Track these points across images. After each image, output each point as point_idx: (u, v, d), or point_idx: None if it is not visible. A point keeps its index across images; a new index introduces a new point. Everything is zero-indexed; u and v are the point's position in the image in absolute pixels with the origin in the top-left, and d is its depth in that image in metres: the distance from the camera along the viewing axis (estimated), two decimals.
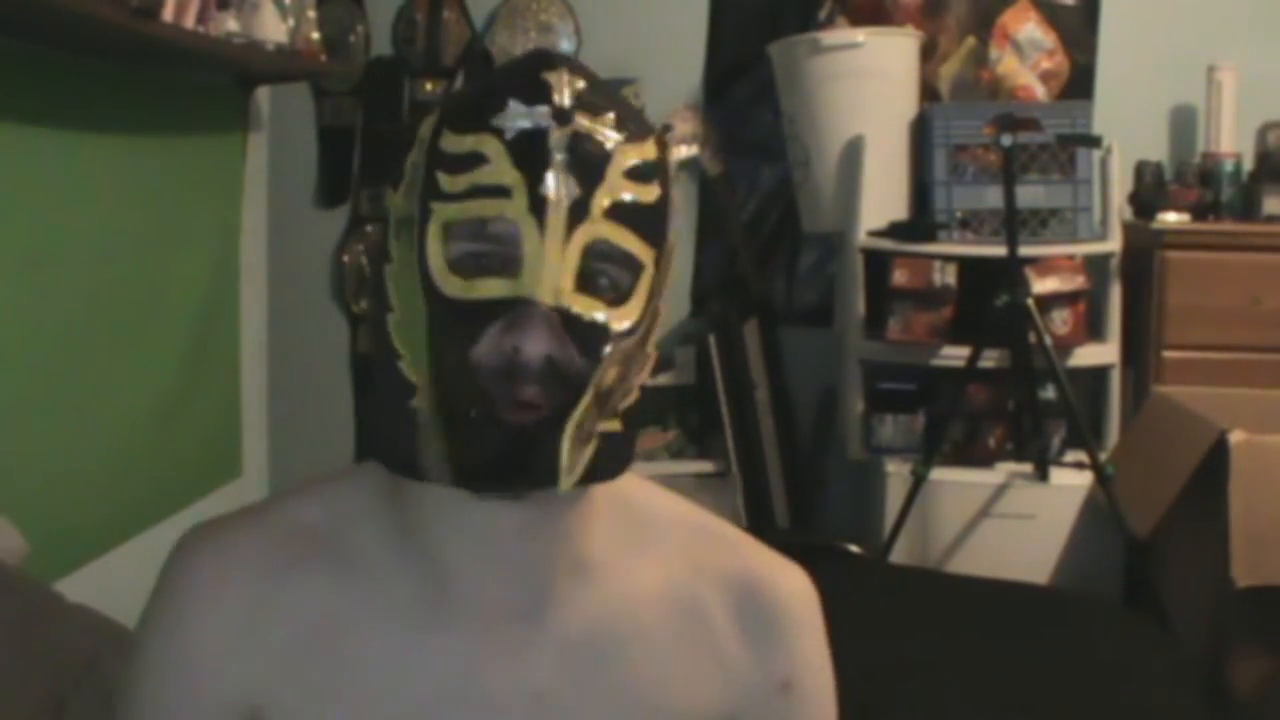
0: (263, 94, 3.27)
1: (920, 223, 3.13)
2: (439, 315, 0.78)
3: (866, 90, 3.18)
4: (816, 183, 3.26)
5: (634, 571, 0.88)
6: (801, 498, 3.31)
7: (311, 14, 2.90)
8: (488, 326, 0.76)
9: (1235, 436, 2.33)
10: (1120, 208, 3.14)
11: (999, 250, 2.84)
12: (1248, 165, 3.12)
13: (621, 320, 0.79)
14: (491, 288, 0.76)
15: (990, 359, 2.93)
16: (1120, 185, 3.13)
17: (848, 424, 3.22)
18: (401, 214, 0.82)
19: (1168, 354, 2.99)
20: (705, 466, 3.32)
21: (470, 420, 0.76)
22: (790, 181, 3.40)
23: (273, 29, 2.62)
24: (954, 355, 3.00)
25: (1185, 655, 2.27)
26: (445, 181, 0.78)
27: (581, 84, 0.80)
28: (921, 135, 3.20)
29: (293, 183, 3.60)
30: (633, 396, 0.83)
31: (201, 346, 2.83)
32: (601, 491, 0.85)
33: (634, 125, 0.81)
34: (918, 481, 2.83)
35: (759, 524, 3.14)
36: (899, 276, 3.06)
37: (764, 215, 3.55)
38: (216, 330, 2.95)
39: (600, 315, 0.78)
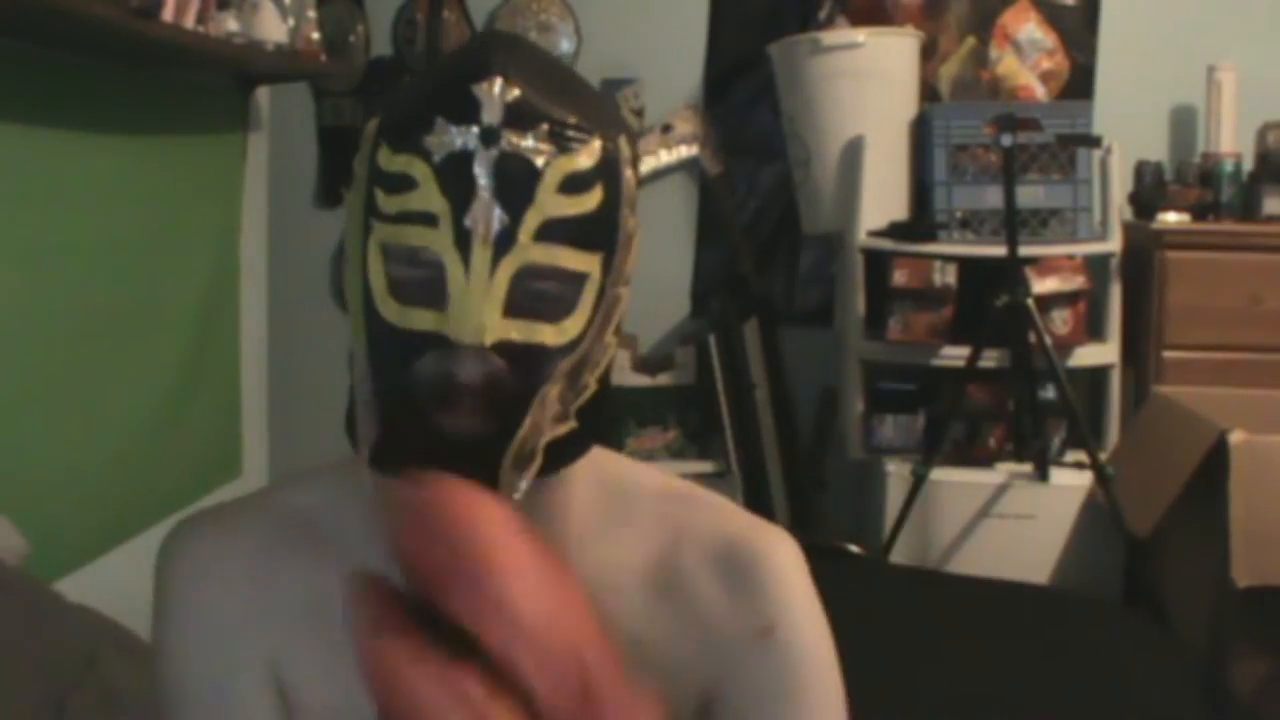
0: (263, 94, 3.27)
1: (920, 223, 3.13)
2: (377, 336, 0.79)
3: (866, 90, 3.18)
4: (816, 183, 3.26)
5: (614, 544, 0.89)
6: (801, 498, 3.31)
7: (311, 14, 2.90)
8: (420, 356, 0.77)
9: (1235, 436, 2.33)
10: (1120, 208, 3.14)
11: (999, 250, 2.84)
12: (1248, 165, 3.12)
13: (565, 334, 0.79)
14: (422, 319, 0.78)
15: (990, 359, 2.93)
16: (1120, 185, 3.13)
17: (848, 424, 3.22)
18: (351, 217, 0.83)
19: (1168, 354, 2.99)
20: (705, 466, 3.32)
21: (413, 435, 0.78)
22: (790, 181, 3.40)
23: (273, 29, 2.62)
24: (954, 355, 3.00)
25: (1185, 655, 2.27)
26: (382, 200, 0.79)
27: (515, 92, 0.78)
28: (921, 135, 3.20)
29: (293, 183, 3.60)
30: (589, 392, 0.83)
31: (201, 346, 2.83)
32: (580, 468, 0.85)
33: (574, 129, 0.79)
34: (918, 481, 2.83)
35: None
36: (899, 276, 3.06)
37: (764, 215, 3.55)
38: (216, 330, 2.95)
39: (539, 336, 0.78)
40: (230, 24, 2.51)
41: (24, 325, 2.15)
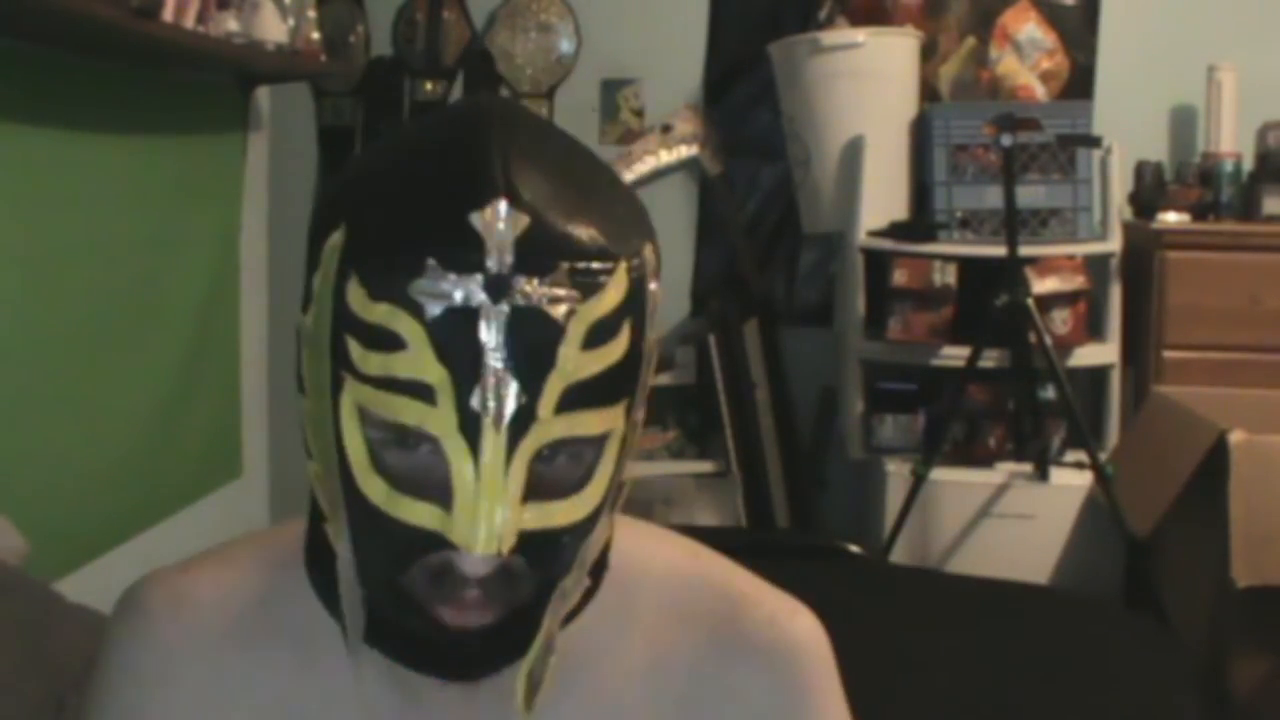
0: (263, 94, 3.27)
1: (920, 223, 3.13)
2: (360, 519, 0.66)
3: (866, 90, 3.18)
4: (816, 183, 3.26)
5: (615, 654, 0.78)
6: (801, 498, 3.31)
7: (311, 14, 2.90)
8: (418, 555, 0.65)
9: (1235, 436, 2.33)
10: (1120, 208, 3.14)
11: (999, 250, 2.84)
12: (1248, 165, 3.12)
13: (582, 506, 0.67)
14: (420, 514, 0.64)
15: (990, 359, 2.93)
16: (1120, 185, 3.13)
17: (848, 424, 3.22)
18: (312, 344, 0.69)
19: (1168, 354, 2.99)
20: (705, 466, 3.32)
21: (400, 624, 0.68)
22: (790, 181, 3.40)
23: (273, 29, 2.62)
24: (954, 355, 3.00)
25: (1185, 655, 2.27)
26: (357, 355, 0.64)
27: (525, 220, 0.62)
28: (921, 135, 3.20)
29: (293, 183, 3.60)
30: (607, 534, 0.72)
31: (201, 346, 2.83)
32: None
33: (597, 261, 0.64)
34: (918, 481, 2.83)
35: (759, 524, 3.14)
36: (899, 276, 3.06)
37: (764, 215, 3.55)
38: (216, 330, 2.95)
39: (555, 520, 0.66)
40: (230, 24, 2.51)
41: (24, 325, 2.15)
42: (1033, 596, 2.54)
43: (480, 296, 0.62)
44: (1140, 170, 3.21)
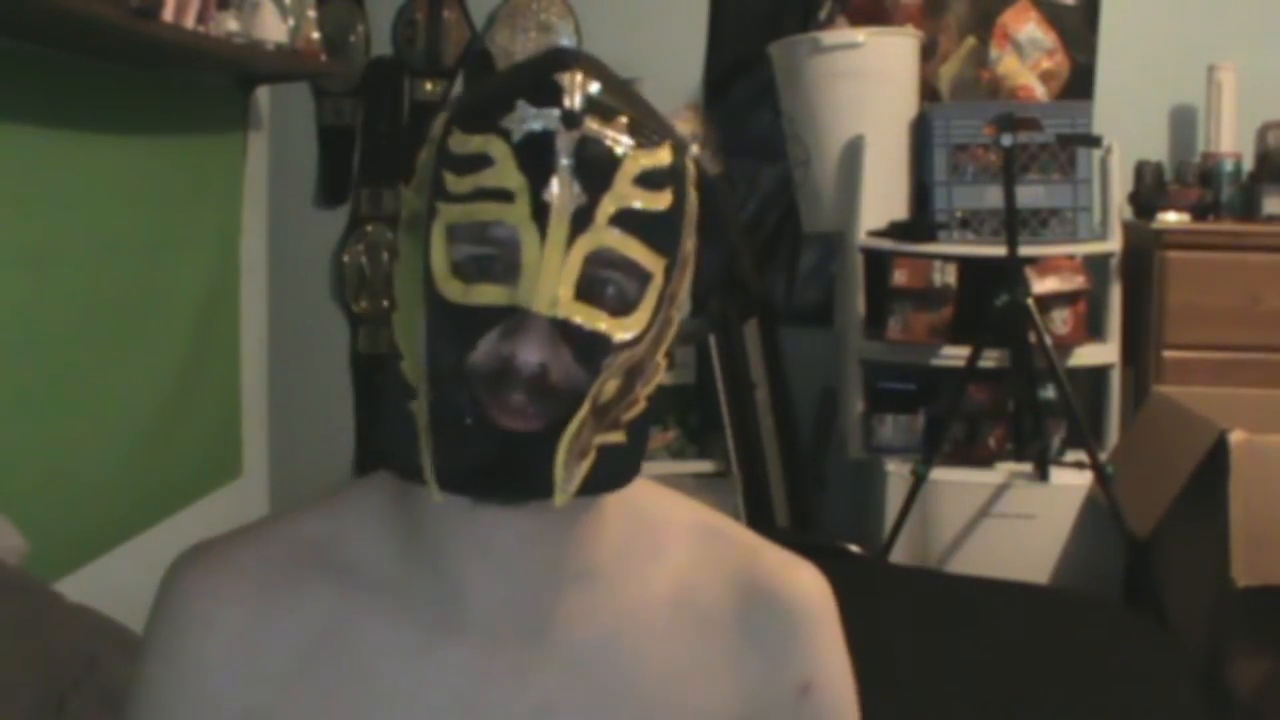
0: (263, 94, 3.27)
1: (920, 223, 3.13)
2: (437, 319, 0.76)
3: (866, 90, 3.18)
4: (816, 183, 3.26)
5: (644, 579, 0.87)
6: (801, 498, 3.31)
7: (311, 14, 2.90)
8: (484, 333, 0.75)
9: (1235, 436, 2.33)
10: (1120, 208, 3.14)
11: (999, 250, 2.84)
12: (1248, 165, 3.12)
13: (625, 330, 0.77)
14: (489, 294, 0.75)
15: (990, 359, 2.93)
16: (1120, 185, 3.13)
17: (848, 424, 3.22)
18: (411, 212, 0.81)
19: (1168, 354, 2.99)
20: (705, 466, 3.32)
21: (463, 426, 0.75)
22: (790, 181, 3.40)
23: (273, 29, 2.62)
24: (954, 355, 3.00)
25: (1185, 655, 2.27)
26: (451, 182, 0.77)
27: (595, 86, 0.78)
28: (921, 135, 3.20)
29: (293, 183, 3.60)
30: (639, 408, 0.81)
31: (201, 346, 2.83)
32: (611, 498, 0.83)
33: (649, 130, 0.79)
34: (918, 481, 2.83)
35: (759, 524, 3.14)
36: (899, 276, 3.06)
37: (764, 215, 3.55)
38: (216, 330, 2.95)
39: (602, 325, 0.76)
40: (230, 24, 2.51)
41: (24, 325, 2.15)
42: (1033, 596, 2.54)
43: (556, 125, 0.75)
44: (1140, 170, 3.21)
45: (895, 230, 3.12)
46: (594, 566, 0.84)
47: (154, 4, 2.13)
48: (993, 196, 3.01)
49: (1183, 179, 3.17)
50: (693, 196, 0.83)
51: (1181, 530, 2.54)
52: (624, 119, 0.78)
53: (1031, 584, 2.74)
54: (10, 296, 2.11)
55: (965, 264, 3.04)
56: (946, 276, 3.05)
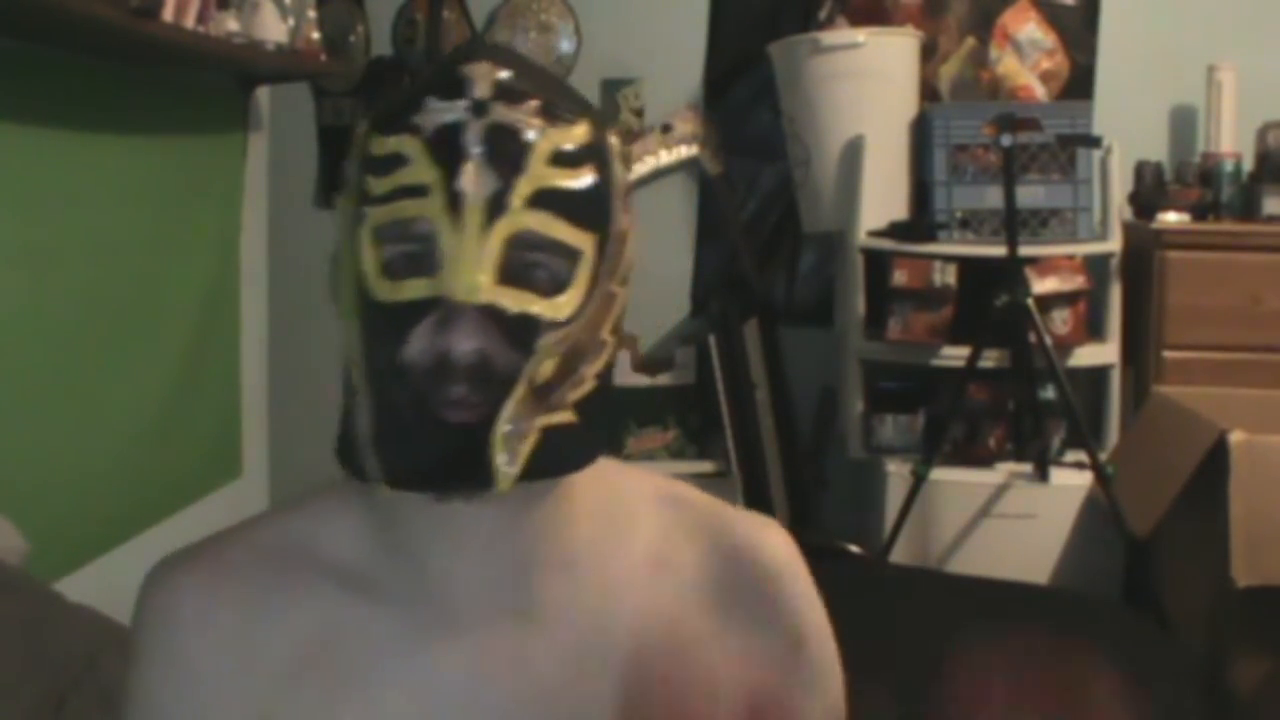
0: (263, 94, 3.27)
1: (920, 223, 3.13)
2: (371, 319, 0.78)
3: (866, 90, 3.18)
4: (816, 183, 3.26)
5: (621, 554, 0.87)
6: (801, 498, 3.31)
7: (311, 14, 2.90)
8: (414, 327, 0.75)
9: (1235, 436, 2.33)
10: (1120, 208, 3.14)
11: (999, 250, 2.84)
12: (1248, 165, 3.12)
13: (557, 310, 0.78)
14: (415, 288, 0.76)
15: (990, 359, 2.93)
16: (1120, 185, 3.13)
17: (848, 424, 3.22)
18: (343, 219, 0.82)
19: (1168, 354, 2.99)
20: (705, 466, 3.32)
21: (405, 422, 0.76)
22: (790, 181, 3.40)
23: (273, 29, 2.62)
24: (954, 355, 3.00)
25: (1185, 655, 2.27)
26: (372, 184, 0.79)
27: (503, 73, 0.79)
28: (921, 135, 3.20)
29: (293, 183, 3.60)
30: (587, 386, 0.81)
31: (201, 346, 2.83)
32: (581, 480, 0.83)
33: (563, 110, 0.80)
34: (918, 481, 2.83)
35: None
36: (899, 276, 3.06)
37: (764, 215, 3.55)
38: (216, 330, 2.95)
39: (533, 307, 0.76)
40: (230, 24, 2.51)
41: (24, 325, 2.15)
42: (1033, 596, 2.54)
43: (465, 115, 0.77)
44: (1140, 170, 3.21)
45: (895, 230, 3.12)
46: (574, 549, 0.85)
47: (154, 4, 2.13)
48: (993, 196, 3.01)
49: (1183, 179, 3.17)
50: (620, 171, 0.83)
51: (1181, 530, 2.54)
52: (535, 101, 0.78)
53: (1031, 584, 2.74)
54: (10, 296, 2.11)
55: (965, 264, 3.04)
56: (946, 276, 3.05)
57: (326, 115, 3.64)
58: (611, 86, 3.52)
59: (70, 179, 2.27)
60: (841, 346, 3.28)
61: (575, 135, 0.79)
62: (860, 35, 3.19)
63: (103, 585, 2.04)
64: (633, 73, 3.51)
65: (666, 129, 3.50)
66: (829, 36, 3.22)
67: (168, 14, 2.21)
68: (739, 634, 0.88)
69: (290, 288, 3.53)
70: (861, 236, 3.13)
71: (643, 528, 0.89)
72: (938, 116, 3.15)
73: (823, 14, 3.44)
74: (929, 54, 3.37)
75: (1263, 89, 3.16)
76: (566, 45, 3.54)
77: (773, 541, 0.93)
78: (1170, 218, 3.08)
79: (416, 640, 0.82)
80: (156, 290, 2.62)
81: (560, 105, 0.80)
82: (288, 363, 3.50)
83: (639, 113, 3.53)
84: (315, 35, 2.91)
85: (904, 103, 3.24)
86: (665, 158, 3.50)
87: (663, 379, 3.40)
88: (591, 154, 0.80)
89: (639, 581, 0.87)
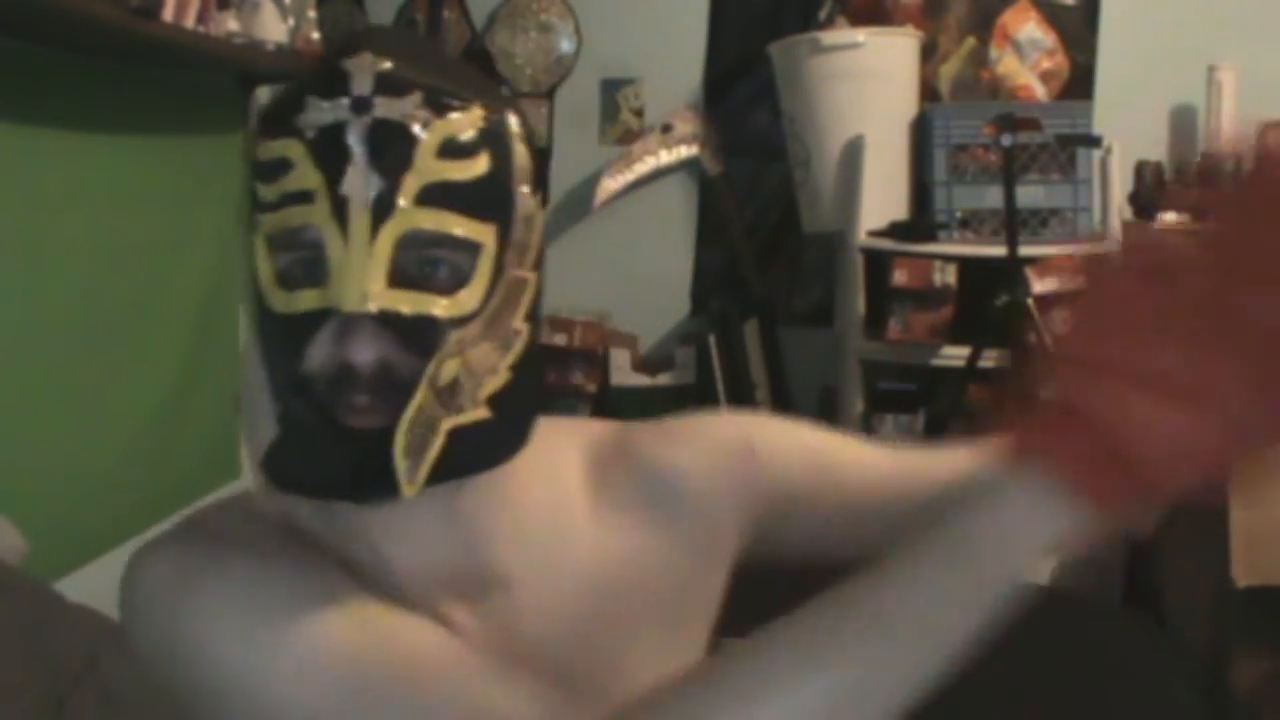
0: (263, 94, 3.27)
1: (920, 223, 3.13)
2: (268, 331, 0.76)
3: (866, 90, 3.18)
4: (816, 183, 3.26)
5: (564, 510, 0.87)
6: None
7: (311, 14, 2.90)
8: (310, 339, 0.73)
9: None
10: (1120, 208, 3.14)
11: (999, 250, 2.84)
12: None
13: (458, 306, 0.75)
14: (308, 299, 0.74)
15: (990, 359, 2.93)
16: (1120, 185, 3.13)
17: (848, 424, 3.22)
18: (242, 226, 0.80)
19: None
20: None
21: (310, 431, 0.74)
22: (790, 181, 3.40)
23: (273, 29, 2.62)
24: (954, 355, 3.00)
25: (1185, 655, 2.27)
26: (261, 191, 0.76)
27: (386, 64, 0.75)
28: (921, 135, 3.20)
29: None
30: (500, 379, 0.78)
31: (201, 346, 2.83)
32: (518, 459, 0.80)
33: (452, 97, 0.76)
34: None
35: None
36: (899, 276, 3.06)
37: (764, 215, 3.55)
38: (216, 330, 2.94)
39: (431, 309, 0.74)
40: (230, 24, 2.51)
41: (24, 325, 2.15)
42: (1033, 596, 2.54)
43: (347, 114, 0.74)
44: (1140, 170, 3.21)
45: (895, 230, 3.12)
46: (524, 519, 0.84)
47: (154, 4, 2.13)
48: (993, 196, 3.01)
49: (1183, 179, 3.17)
50: (521, 152, 0.79)
51: (1181, 530, 2.54)
52: (418, 93, 0.75)
53: (1031, 584, 2.74)
54: (10, 296, 2.11)
55: (965, 264, 3.04)
56: (946, 276, 3.05)
57: None
58: (611, 86, 3.53)
59: (70, 179, 2.27)
60: (841, 346, 3.27)
61: (464, 123, 0.76)
62: (860, 35, 3.19)
63: (103, 585, 2.04)
64: (633, 73, 3.51)
65: (666, 129, 3.50)
66: (829, 36, 3.22)
67: (168, 14, 2.21)
68: (690, 515, 0.90)
69: None
70: (861, 236, 3.13)
71: (571, 474, 0.89)
72: (938, 116, 3.15)
73: (823, 14, 3.44)
74: (929, 54, 3.37)
75: (1263, 89, 3.16)
76: (566, 45, 3.54)
77: (713, 425, 0.94)
78: (1170, 218, 3.08)
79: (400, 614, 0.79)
80: (156, 290, 2.62)
81: (449, 92, 0.76)
82: None
83: (639, 113, 3.53)
84: (315, 35, 2.91)
85: (904, 103, 3.24)
86: (665, 158, 3.50)
87: (663, 379, 3.40)
88: (486, 140, 0.77)
89: (583, 521, 0.87)
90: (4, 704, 1.43)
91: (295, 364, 0.74)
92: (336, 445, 0.73)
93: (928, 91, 3.35)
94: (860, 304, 3.13)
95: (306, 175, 0.74)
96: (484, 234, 0.76)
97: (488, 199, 0.77)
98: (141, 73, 2.50)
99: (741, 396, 3.19)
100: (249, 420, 0.79)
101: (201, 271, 2.85)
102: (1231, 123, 3.13)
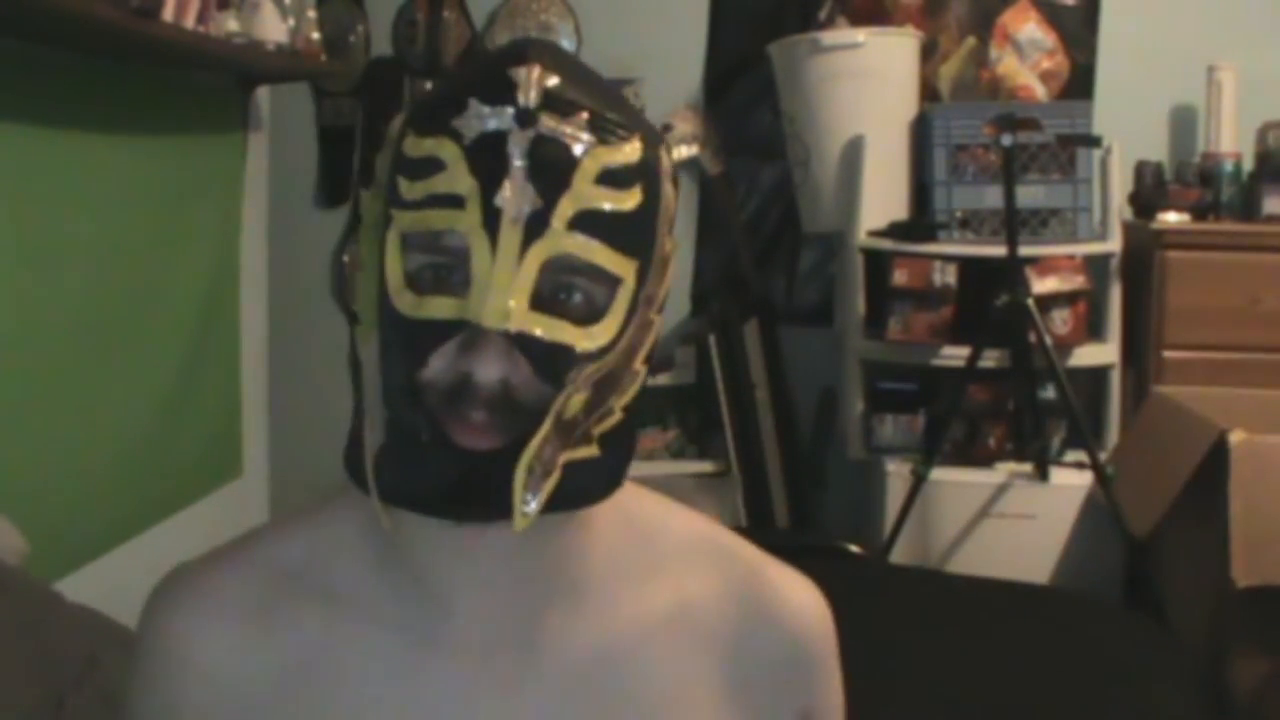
0: (263, 94, 3.27)
1: (920, 223, 3.13)
2: (390, 332, 0.73)
3: (866, 90, 3.18)
4: (816, 183, 3.26)
5: (639, 594, 0.83)
6: (801, 498, 3.31)
7: (311, 14, 2.90)
8: (436, 348, 0.71)
9: (1235, 436, 2.33)
10: (1120, 208, 3.14)
11: (999, 250, 2.84)
12: (1248, 165, 3.12)
13: (592, 339, 0.72)
14: (440, 307, 0.71)
15: (990, 359, 2.93)
16: (1120, 185, 3.13)
17: (848, 424, 3.22)
18: (370, 218, 0.78)
19: (1168, 354, 2.99)
20: (705, 466, 3.32)
21: (420, 444, 0.72)
22: (790, 181, 3.40)
23: (273, 29, 2.62)
24: (954, 355, 3.00)
25: (1185, 655, 2.27)
26: (405, 187, 0.73)
27: (554, 80, 0.73)
28: (921, 135, 3.20)
29: (293, 183, 3.60)
30: (613, 419, 0.77)
31: (201, 346, 2.83)
32: (600, 511, 0.79)
33: (614, 124, 0.74)
34: (918, 481, 2.83)
35: (759, 524, 3.14)
36: (899, 276, 3.06)
37: (764, 215, 3.55)
38: (216, 330, 2.95)
39: (566, 337, 0.71)
40: (230, 24, 2.51)
41: (24, 325, 2.15)
42: (1033, 596, 2.54)
43: (510, 124, 0.71)
44: (1140, 170, 3.21)
45: (895, 230, 3.12)
46: (585, 580, 0.81)
47: (154, 4, 2.13)
48: (993, 196, 3.01)
49: (1183, 179, 3.17)
50: (668, 192, 0.78)
51: (1181, 530, 2.54)
52: (584, 115, 0.73)
53: (1031, 584, 2.74)
54: (10, 296, 2.11)
55: (965, 264, 3.04)
56: (946, 276, 3.05)
57: (326, 115, 3.64)
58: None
59: (70, 179, 2.27)
60: (841, 346, 3.28)
61: (625, 153, 0.74)
62: (860, 35, 3.19)
63: (103, 585, 2.05)
64: (633, 73, 3.51)
65: (666, 129, 3.50)
66: (829, 36, 3.22)
67: (168, 14, 2.21)
68: (749, 694, 0.84)
69: (290, 288, 3.53)
70: (861, 236, 3.13)
71: (668, 570, 0.84)
72: (938, 116, 3.15)
73: (823, 14, 3.44)
74: (929, 54, 3.37)
75: (1263, 89, 3.16)
76: (566, 45, 3.53)
77: (808, 605, 0.88)
78: (1170, 218, 3.08)
79: (410, 662, 0.79)
80: (156, 290, 2.62)
81: (611, 119, 0.74)
82: (288, 363, 3.50)
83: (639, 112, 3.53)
84: (315, 35, 2.91)
85: (904, 103, 3.24)
86: None
87: (663, 379, 3.39)
88: (640, 174, 0.74)
89: (654, 625, 0.82)
90: (4, 704, 1.43)
91: (414, 370, 0.71)
92: (444, 460, 0.71)
93: (928, 91, 3.35)
94: (860, 304, 3.13)
95: (459, 179, 0.71)
96: (626, 269, 0.74)
97: (635, 234, 0.74)
98: (141, 73, 2.50)
99: (741, 396, 3.19)
100: (356, 424, 0.78)
101: (201, 271, 2.85)
102: (1231, 123, 3.13)
